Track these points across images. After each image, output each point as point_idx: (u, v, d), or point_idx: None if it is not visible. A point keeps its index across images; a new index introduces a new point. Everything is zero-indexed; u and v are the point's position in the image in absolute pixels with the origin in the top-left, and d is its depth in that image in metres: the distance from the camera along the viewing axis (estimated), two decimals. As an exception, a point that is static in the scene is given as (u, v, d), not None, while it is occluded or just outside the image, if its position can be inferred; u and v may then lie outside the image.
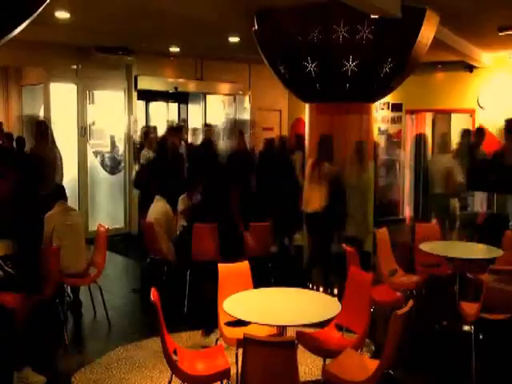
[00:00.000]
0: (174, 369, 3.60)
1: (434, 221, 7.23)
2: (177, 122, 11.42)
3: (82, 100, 9.56)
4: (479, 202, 8.92)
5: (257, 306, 4.03)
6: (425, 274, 5.74)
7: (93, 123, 9.87)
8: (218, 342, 4.29)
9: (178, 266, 6.47)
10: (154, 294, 3.62)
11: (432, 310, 5.67)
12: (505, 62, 9.88)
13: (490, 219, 7.61)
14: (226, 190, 6.34)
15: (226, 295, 4.11)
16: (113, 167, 10.21)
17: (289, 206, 8.73)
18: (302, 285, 5.85)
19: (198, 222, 6.21)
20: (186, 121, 11.59)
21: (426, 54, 6.41)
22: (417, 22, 5.84)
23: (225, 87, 11.54)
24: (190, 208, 6.70)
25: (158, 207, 6.74)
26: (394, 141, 10.94)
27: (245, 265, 4.59)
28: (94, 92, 9.80)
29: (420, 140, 10.25)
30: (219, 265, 4.52)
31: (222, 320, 4.23)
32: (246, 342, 3.16)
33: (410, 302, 3.57)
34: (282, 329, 3.81)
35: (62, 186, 6.13)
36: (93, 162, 9.90)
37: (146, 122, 11.48)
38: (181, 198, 6.88)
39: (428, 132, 11.19)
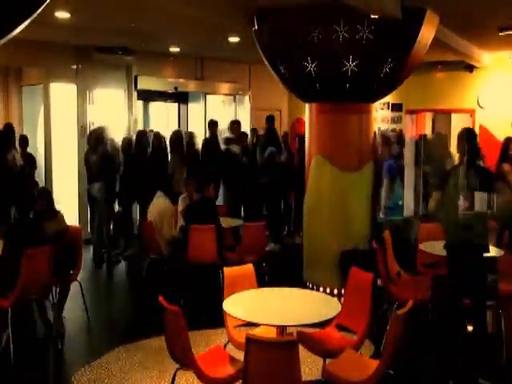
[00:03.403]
0: (197, 370, 3.56)
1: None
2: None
3: (82, 100, 9.55)
4: (479, 202, 8.89)
5: (257, 306, 4.03)
6: (428, 275, 5.74)
7: (93, 123, 9.87)
8: (227, 348, 4.18)
9: (171, 266, 6.50)
10: (174, 308, 3.54)
11: (434, 310, 5.66)
12: (505, 62, 9.88)
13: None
14: None
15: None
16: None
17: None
18: (300, 285, 5.86)
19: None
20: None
21: (425, 54, 6.40)
22: (417, 22, 5.83)
23: (225, 87, 11.53)
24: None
25: (157, 204, 6.72)
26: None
27: (249, 267, 4.58)
28: (94, 92, 9.79)
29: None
30: (225, 268, 4.51)
31: (231, 324, 4.17)
32: (248, 343, 3.16)
33: (410, 302, 3.57)
34: (282, 329, 3.81)
35: None
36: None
37: (146, 122, 11.48)
38: (181, 197, 6.87)
39: (428, 132, 11.17)
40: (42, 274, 5.11)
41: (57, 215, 5.81)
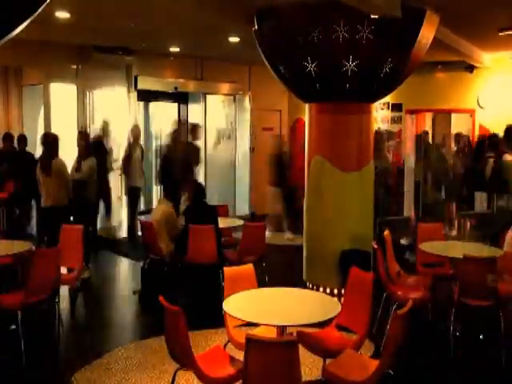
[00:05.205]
0: (197, 370, 3.55)
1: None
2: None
3: (82, 100, 9.56)
4: (479, 201, 8.91)
5: (257, 306, 4.03)
6: (427, 275, 5.74)
7: (93, 123, 9.86)
8: (227, 348, 4.17)
9: (173, 266, 6.50)
10: (174, 308, 3.52)
11: (434, 310, 5.67)
12: (505, 63, 9.88)
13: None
14: None
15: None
16: (113, 167, 10.19)
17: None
18: (300, 285, 5.87)
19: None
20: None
21: (425, 54, 6.40)
22: (417, 21, 5.84)
23: (225, 87, 11.53)
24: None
25: (160, 208, 6.75)
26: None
27: (249, 267, 4.58)
28: (94, 92, 9.79)
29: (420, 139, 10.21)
30: (225, 268, 4.52)
31: (231, 324, 4.17)
32: (248, 343, 3.16)
33: (410, 302, 3.57)
34: (282, 329, 3.81)
35: None
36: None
37: (146, 122, 11.47)
38: (183, 198, 6.91)
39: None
40: (51, 274, 5.09)
41: None
